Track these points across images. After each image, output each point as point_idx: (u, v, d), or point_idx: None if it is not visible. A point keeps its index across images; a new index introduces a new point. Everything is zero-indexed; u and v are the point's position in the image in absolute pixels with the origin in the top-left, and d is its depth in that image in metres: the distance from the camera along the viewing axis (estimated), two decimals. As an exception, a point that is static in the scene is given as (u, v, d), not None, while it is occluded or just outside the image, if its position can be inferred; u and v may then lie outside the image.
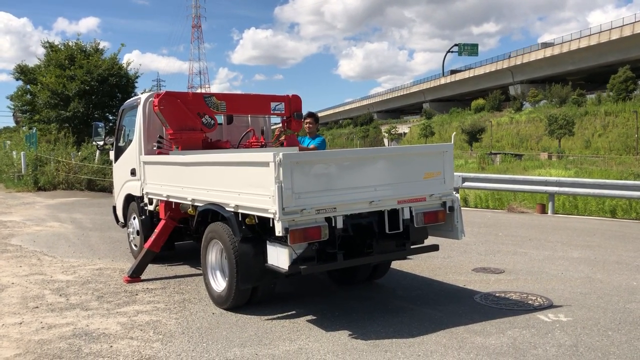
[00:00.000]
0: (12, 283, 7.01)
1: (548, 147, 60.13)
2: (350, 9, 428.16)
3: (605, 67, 70.63)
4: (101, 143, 9.74)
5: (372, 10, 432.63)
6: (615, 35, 66.32)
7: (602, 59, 69.96)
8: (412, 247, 5.82)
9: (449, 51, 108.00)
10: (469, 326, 5.06)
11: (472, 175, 15.52)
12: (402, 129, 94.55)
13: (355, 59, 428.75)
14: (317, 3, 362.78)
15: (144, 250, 7.07)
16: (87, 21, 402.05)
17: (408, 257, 6.55)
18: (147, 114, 7.63)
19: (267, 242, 5.16)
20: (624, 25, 66.02)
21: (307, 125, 7.68)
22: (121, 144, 8.72)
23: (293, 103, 8.00)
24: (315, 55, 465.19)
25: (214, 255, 5.93)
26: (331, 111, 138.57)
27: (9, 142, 33.74)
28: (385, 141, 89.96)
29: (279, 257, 4.98)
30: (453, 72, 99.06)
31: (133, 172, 7.95)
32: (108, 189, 18.03)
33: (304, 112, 7.94)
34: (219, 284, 5.84)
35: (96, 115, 27.00)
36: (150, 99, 7.53)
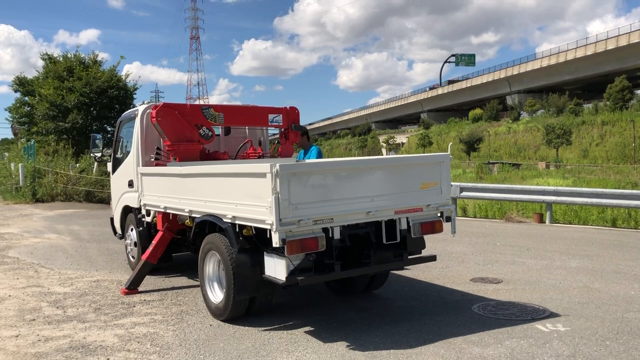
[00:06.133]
0: (9, 295, 6.98)
1: (546, 156, 60.24)
2: (351, 19, 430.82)
3: (602, 77, 71.04)
4: (99, 155, 9.75)
5: (372, 21, 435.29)
6: (611, 45, 66.74)
7: (598, 68, 70.36)
8: (409, 257, 5.82)
9: (446, 61, 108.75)
10: (467, 336, 5.05)
11: (470, 185, 15.52)
12: (400, 139, 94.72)
13: (354, 69, 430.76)
14: (316, 14, 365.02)
15: (142, 262, 7.06)
16: (87, 33, 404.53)
17: (406, 267, 6.55)
18: (145, 125, 7.65)
19: (265, 253, 5.16)
20: (619, 35, 66.49)
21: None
22: (119, 155, 8.73)
23: (291, 115, 8.04)
24: (315, 66, 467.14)
25: (211, 266, 5.92)
26: (329, 121, 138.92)
27: (7, 153, 33.75)
28: (384, 151, 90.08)
29: (276, 268, 4.99)
30: (450, 82, 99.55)
31: (130, 184, 7.96)
32: (106, 201, 18.01)
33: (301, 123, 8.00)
34: (217, 295, 5.83)
35: (94, 127, 27.05)
36: (148, 111, 7.56)
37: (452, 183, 13.20)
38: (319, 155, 7.99)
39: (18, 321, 5.89)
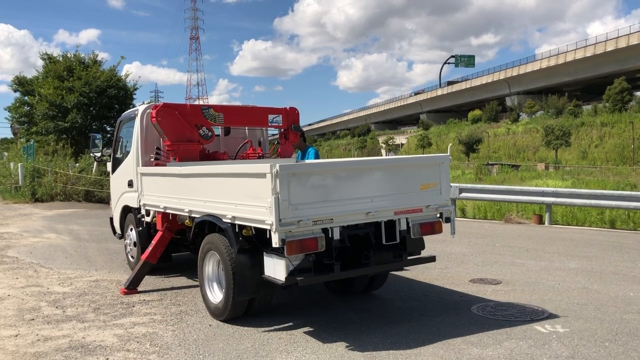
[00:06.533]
0: (8, 295, 6.98)
1: (545, 157, 60.31)
2: (351, 20, 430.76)
3: (601, 78, 71.14)
4: (98, 154, 9.75)
5: (372, 21, 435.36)
6: (610, 47, 66.83)
7: (598, 70, 70.45)
8: (409, 258, 5.83)
9: (445, 62, 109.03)
10: (466, 337, 5.06)
11: (469, 186, 15.54)
12: (400, 139, 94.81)
13: (354, 70, 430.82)
14: (316, 15, 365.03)
15: (141, 262, 7.06)
16: (87, 33, 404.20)
17: (405, 268, 6.56)
18: (145, 125, 7.65)
19: (264, 253, 5.17)
20: (619, 37, 66.57)
21: None
22: (119, 155, 8.73)
23: (291, 115, 8.05)
24: (315, 67, 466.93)
25: (210, 266, 5.93)
26: (329, 122, 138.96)
27: (6, 153, 33.73)
28: (383, 152, 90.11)
29: (275, 268, 4.99)
30: (450, 83, 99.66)
31: (130, 184, 7.96)
32: (105, 201, 18.00)
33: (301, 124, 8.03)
34: (216, 295, 5.84)
35: (94, 127, 27.03)
36: (148, 111, 7.57)
37: (452, 184, 13.20)
38: (316, 157, 8.01)
39: (17, 321, 5.89)
